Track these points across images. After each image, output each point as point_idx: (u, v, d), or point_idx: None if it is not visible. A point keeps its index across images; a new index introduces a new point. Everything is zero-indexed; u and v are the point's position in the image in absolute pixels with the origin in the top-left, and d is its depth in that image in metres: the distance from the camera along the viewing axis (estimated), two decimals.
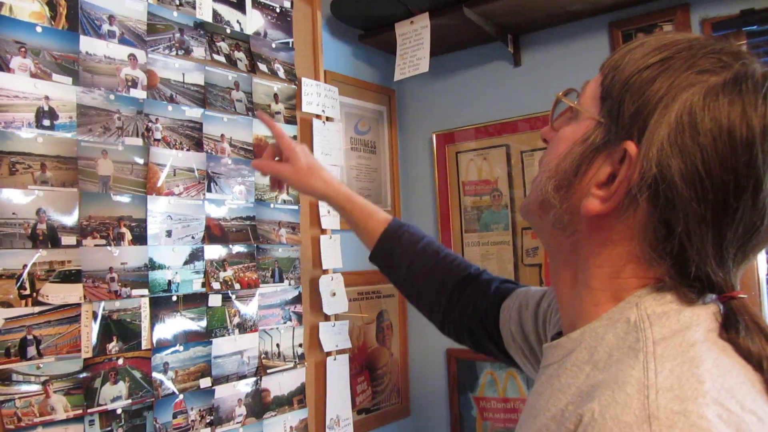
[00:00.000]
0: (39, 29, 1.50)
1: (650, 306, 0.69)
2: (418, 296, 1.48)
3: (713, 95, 0.65)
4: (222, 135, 1.89)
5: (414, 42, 2.21)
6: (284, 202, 2.05)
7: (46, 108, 1.50)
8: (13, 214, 1.43)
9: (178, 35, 1.80)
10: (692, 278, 0.68)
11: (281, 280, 2.00)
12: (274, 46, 2.09)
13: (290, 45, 2.15)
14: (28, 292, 1.44)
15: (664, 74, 0.68)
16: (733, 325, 0.66)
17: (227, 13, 1.96)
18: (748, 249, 0.69)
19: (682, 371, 0.60)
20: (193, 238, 1.78)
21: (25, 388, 1.41)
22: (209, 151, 1.85)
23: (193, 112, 1.82)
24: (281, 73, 2.09)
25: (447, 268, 1.40)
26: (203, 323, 1.77)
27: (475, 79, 2.48)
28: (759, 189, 0.65)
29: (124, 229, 1.62)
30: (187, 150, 1.79)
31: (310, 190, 1.50)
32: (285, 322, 2.00)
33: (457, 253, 1.46)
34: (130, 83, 1.67)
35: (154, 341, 1.66)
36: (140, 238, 1.65)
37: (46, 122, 1.50)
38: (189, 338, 1.74)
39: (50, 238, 1.48)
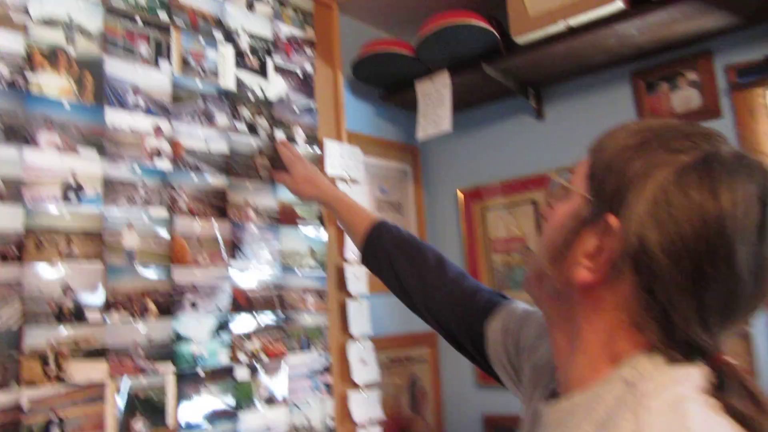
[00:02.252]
0: (67, 105, 1.51)
1: (644, 365, 0.73)
2: (408, 295, 1.47)
3: (685, 173, 0.71)
4: (246, 202, 1.86)
5: (435, 100, 2.20)
6: (311, 268, 2.01)
7: (72, 182, 1.49)
8: (40, 291, 1.40)
9: (202, 104, 1.80)
10: (680, 342, 0.73)
11: (309, 349, 1.94)
12: (297, 110, 2.09)
13: (313, 108, 2.15)
14: (53, 370, 1.39)
15: (641, 154, 0.75)
16: (721, 385, 0.71)
17: (250, 79, 1.96)
18: (731, 315, 0.73)
19: (673, 423, 0.65)
20: (219, 309, 1.73)
21: None
22: (234, 219, 1.82)
23: (218, 181, 1.80)
24: (302, 138, 2.08)
25: (435, 271, 1.43)
26: (230, 398, 1.71)
27: (499, 134, 2.46)
28: (732, 257, 0.70)
29: (149, 303, 1.58)
30: (212, 219, 1.76)
31: (304, 195, 1.80)
32: (314, 393, 1.93)
33: (434, 248, 1.50)
34: (155, 154, 1.67)
35: (180, 419, 1.60)
36: (165, 311, 1.61)
37: (72, 196, 1.49)
38: (216, 415, 1.67)
39: (76, 314, 1.44)
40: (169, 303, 1.62)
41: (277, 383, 1.83)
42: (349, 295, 2.12)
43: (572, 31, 1.88)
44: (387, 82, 2.35)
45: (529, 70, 2.11)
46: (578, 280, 0.78)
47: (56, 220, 1.45)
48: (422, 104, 2.24)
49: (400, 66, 2.19)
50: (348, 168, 2.21)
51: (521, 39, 1.93)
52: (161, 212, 1.65)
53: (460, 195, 2.52)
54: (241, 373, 1.75)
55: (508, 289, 2.36)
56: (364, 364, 2.08)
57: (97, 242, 1.51)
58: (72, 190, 1.49)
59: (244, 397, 1.74)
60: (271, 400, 1.80)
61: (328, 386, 1.97)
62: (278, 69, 2.06)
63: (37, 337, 1.38)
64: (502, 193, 2.41)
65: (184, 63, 1.79)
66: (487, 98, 2.41)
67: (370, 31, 2.57)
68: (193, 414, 1.62)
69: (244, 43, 1.97)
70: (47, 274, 1.42)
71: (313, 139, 2.11)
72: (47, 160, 1.45)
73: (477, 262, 2.45)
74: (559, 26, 1.85)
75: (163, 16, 1.75)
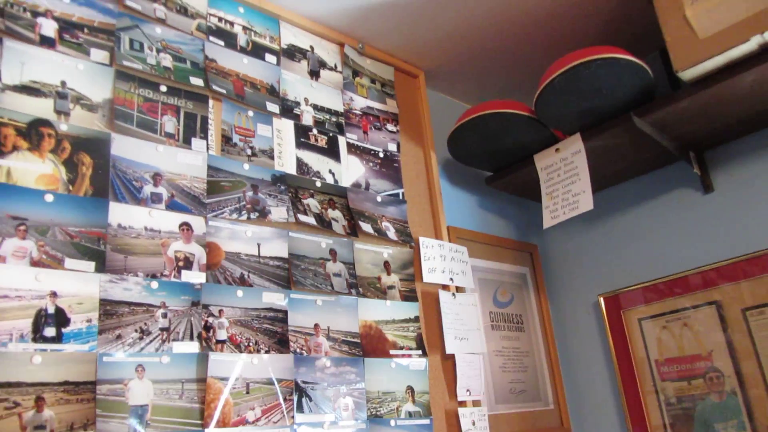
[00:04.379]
0: (50, 198, 1.05)
1: None
2: None
3: None
4: (316, 325, 1.32)
5: (564, 174, 1.63)
6: (410, 415, 1.40)
7: (51, 310, 1.00)
8: None
9: (250, 193, 1.32)
10: None
11: None
12: (379, 199, 1.57)
13: (401, 197, 1.63)
14: None
15: None
16: None
17: (316, 161, 1.48)
18: None
19: None
20: None
21: None
22: (298, 350, 1.27)
23: (274, 297, 1.27)
24: (391, 234, 1.55)
25: None
26: None
27: (651, 216, 1.84)
28: None
29: None
30: (266, 352, 1.22)
31: None
32: None
33: None
34: (181, 263, 1.17)
35: None
36: None
37: (50, 332, 0.99)
38: None
39: None
40: None
41: None
42: None
43: (767, 52, 1.30)
44: (494, 161, 1.80)
45: (695, 121, 1.52)
46: None
47: (20, 370, 0.94)
48: (546, 182, 1.67)
49: (512, 134, 1.66)
50: (452, 273, 1.64)
51: (689, 73, 1.36)
52: (190, 347, 1.12)
53: (603, 303, 1.87)
54: None
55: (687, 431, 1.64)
56: None
57: (86, 399, 0.99)
58: (50, 322, 0.99)
59: None
60: None
61: None
62: (353, 148, 1.58)
63: None
64: (664, 296, 1.75)
65: (226, 141, 1.33)
66: (634, 170, 1.81)
67: (463, 107, 2.09)
68: None
69: (308, 116, 1.51)
70: None
71: (406, 235, 1.58)
72: (11, 279, 0.97)
73: (638, 394, 1.75)
74: (749, 45, 1.28)
75: (196, 81, 1.32)
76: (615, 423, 1.82)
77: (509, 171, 1.81)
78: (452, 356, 1.56)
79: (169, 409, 1.07)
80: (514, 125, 1.63)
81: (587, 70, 1.40)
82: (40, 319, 0.99)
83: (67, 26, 1.17)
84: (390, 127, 1.71)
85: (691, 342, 1.69)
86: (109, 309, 1.06)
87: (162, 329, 1.11)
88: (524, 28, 1.72)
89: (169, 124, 1.25)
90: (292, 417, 1.21)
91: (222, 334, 1.18)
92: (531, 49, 1.81)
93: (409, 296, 1.53)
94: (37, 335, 0.97)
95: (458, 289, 1.66)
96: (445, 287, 1.62)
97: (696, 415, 1.66)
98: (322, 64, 1.60)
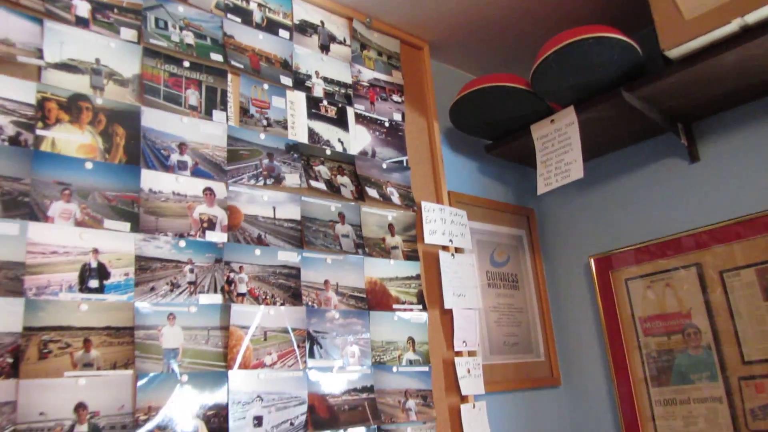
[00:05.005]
0: (89, 165, 1.18)
1: None
2: None
3: None
4: (326, 281, 1.45)
5: (558, 144, 1.75)
6: (410, 362, 1.55)
7: (94, 264, 1.14)
8: (41, 414, 1.02)
9: (266, 161, 1.44)
10: None
11: None
12: (385, 166, 1.69)
13: (404, 164, 1.75)
14: None
15: None
16: None
17: (326, 131, 1.60)
18: None
19: None
20: (292, 424, 1.29)
21: None
22: (310, 303, 1.41)
23: (288, 255, 1.41)
24: (395, 198, 1.67)
25: None
26: None
27: (640, 183, 1.95)
28: None
29: (197, 422, 1.17)
30: (281, 304, 1.36)
31: None
32: None
33: None
34: (205, 224, 1.30)
35: None
36: (219, 431, 1.19)
37: (94, 283, 1.13)
38: None
39: None
40: (224, 420, 1.20)
41: None
42: (461, 397, 1.63)
43: (747, 33, 1.39)
44: (493, 130, 1.91)
45: (682, 96, 1.62)
46: None
47: (70, 316, 1.08)
48: (541, 151, 1.79)
49: (510, 106, 1.77)
50: (452, 235, 1.77)
51: (675, 52, 1.46)
52: (214, 298, 1.26)
53: (593, 263, 2.01)
54: None
55: (666, 384, 1.79)
56: None
57: (126, 342, 1.13)
58: (93, 275, 1.13)
59: None
60: None
61: None
62: (360, 118, 1.69)
63: None
64: (649, 258, 1.88)
65: (244, 113, 1.45)
66: (625, 140, 1.92)
67: (467, 78, 2.18)
68: None
69: (318, 88, 1.62)
70: (54, 390, 1.04)
71: (409, 199, 1.70)
72: (59, 237, 1.11)
73: (623, 348, 1.90)
74: (730, 27, 1.38)
75: (216, 57, 1.43)
76: (601, 374, 1.98)
77: (507, 140, 1.92)
78: (450, 311, 1.70)
79: (197, 352, 1.22)
80: (512, 97, 1.73)
81: (580, 48, 1.50)
82: (85, 273, 1.12)
83: (99, 7, 1.28)
84: (395, 97, 1.81)
85: (673, 301, 1.83)
86: (143, 264, 1.19)
87: (189, 283, 1.25)
88: (524, 2, 1.80)
89: (193, 97, 1.37)
90: (305, 362, 1.36)
91: (242, 288, 1.32)
92: (531, 23, 1.90)
93: (411, 256, 1.66)
94: (83, 286, 1.12)
95: (457, 249, 1.79)
96: (444, 248, 1.75)
97: (674, 367, 1.80)
98: (332, 39, 1.71)
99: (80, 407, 1.06)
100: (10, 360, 1.01)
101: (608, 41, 1.49)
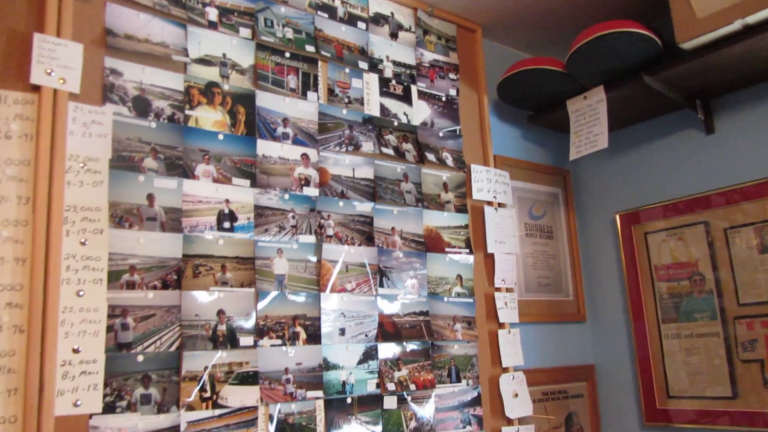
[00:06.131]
0: (221, 137, 1.57)
1: None
2: None
3: None
4: (393, 228, 1.84)
5: (589, 118, 2.06)
6: (458, 295, 1.93)
7: (226, 211, 1.55)
8: (196, 315, 1.45)
9: (347, 132, 1.82)
10: None
11: (458, 380, 1.86)
12: (441, 134, 2.05)
13: (457, 132, 2.10)
14: (208, 394, 1.43)
15: None
16: None
17: (394, 106, 1.96)
18: None
19: None
20: (366, 335, 1.71)
21: None
22: (380, 245, 1.80)
23: (364, 207, 1.79)
24: (449, 161, 2.03)
25: None
26: (378, 428, 1.67)
27: (661, 151, 2.26)
28: None
29: (298, 328, 1.59)
30: (359, 245, 1.76)
31: None
32: (464, 427, 1.83)
33: None
34: (303, 182, 1.69)
35: None
36: (314, 337, 1.61)
37: (227, 224, 1.54)
38: None
39: (229, 339, 1.48)
40: (317, 329, 1.62)
41: (425, 413, 1.76)
42: (499, 324, 2.02)
43: (749, 31, 1.67)
44: (535, 103, 2.24)
45: (697, 79, 1.91)
46: None
47: (212, 247, 1.50)
48: (574, 123, 2.11)
49: (549, 84, 2.09)
50: (496, 192, 2.12)
51: (688, 44, 1.75)
52: (309, 238, 1.67)
53: (618, 219, 2.34)
54: (389, 402, 1.70)
55: (674, 321, 2.13)
56: (516, 397, 1.96)
57: (249, 268, 1.55)
58: (226, 219, 1.54)
59: (393, 427, 1.69)
60: (419, 431, 1.74)
61: (478, 419, 1.87)
62: (422, 94, 2.04)
63: (194, 361, 1.42)
64: (666, 215, 2.20)
65: (330, 93, 1.82)
66: (648, 114, 2.22)
67: (514, 54, 2.50)
68: None
69: (388, 70, 1.97)
70: (203, 299, 1.47)
71: (460, 162, 2.06)
72: (203, 190, 1.52)
73: (640, 291, 2.24)
74: (733, 26, 1.66)
75: (310, 48, 1.80)
76: (620, 312, 2.33)
77: (547, 111, 2.25)
78: (492, 255, 2.07)
79: (298, 278, 1.63)
80: (550, 77, 2.05)
81: (608, 40, 1.81)
82: (221, 217, 1.54)
83: (223, 12, 1.66)
84: (451, 75, 2.15)
85: (683, 252, 2.15)
86: (259, 211, 1.60)
87: (292, 226, 1.65)
88: None
89: (292, 81, 1.75)
90: (376, 289, 1.76)
91: (330, 231, 1.71)
92: (569, 9, 2.19)
93: (461, 209, 2.03)
94: (219, 226, 1.53)
95: (500, 204, 2.14)
96: (489, 203, 2.11)
97: (681, 308, 2.14)
98: (400, 27, 2.04)
99: (221, 312, 1.48)
100: (175, 276, 1.44)
101: (630, 35, 1.79)
